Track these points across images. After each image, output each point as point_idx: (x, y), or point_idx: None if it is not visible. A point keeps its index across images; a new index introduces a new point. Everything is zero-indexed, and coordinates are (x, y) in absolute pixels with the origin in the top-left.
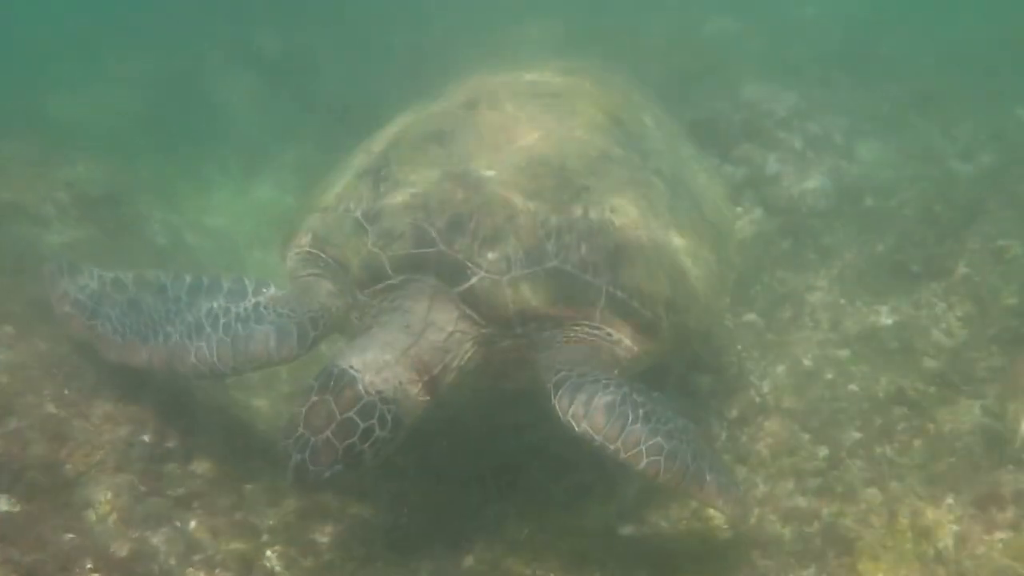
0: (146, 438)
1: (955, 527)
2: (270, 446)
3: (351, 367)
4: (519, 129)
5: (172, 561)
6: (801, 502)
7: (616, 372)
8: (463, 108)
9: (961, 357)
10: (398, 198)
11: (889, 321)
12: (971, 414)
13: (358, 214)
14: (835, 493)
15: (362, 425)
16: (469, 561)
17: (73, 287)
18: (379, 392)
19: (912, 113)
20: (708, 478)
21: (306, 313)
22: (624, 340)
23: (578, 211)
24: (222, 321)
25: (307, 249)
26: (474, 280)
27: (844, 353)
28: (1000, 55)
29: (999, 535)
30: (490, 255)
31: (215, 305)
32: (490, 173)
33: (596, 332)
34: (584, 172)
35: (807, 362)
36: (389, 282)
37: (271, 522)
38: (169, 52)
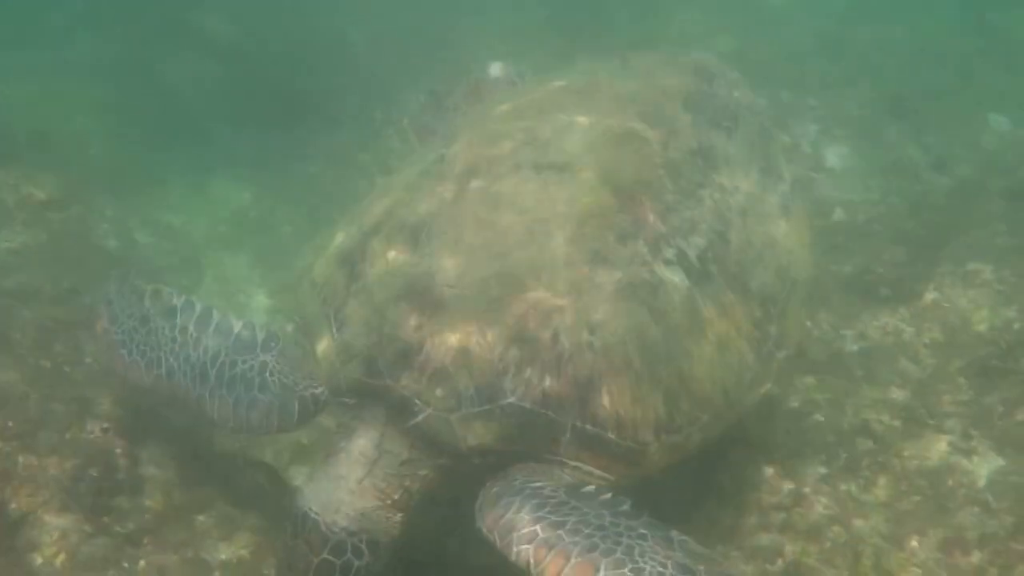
0: (94, 472)
1: (919, 571)
2: (222, 474)
3: (311, 510)
4: (501, 224)
5: None
6: (764, 539)
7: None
8: (454, 183)
9: (928, 388)
10: (360, 312)
11: (855, 347)
12: (937, 450)
13: (331, 313)
14: (799, 530)
15: (338, 563)
16: None
17: (116, 297)
18: (343, 528)
19: (885, 118)
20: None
21: (308, 389)
22: (595, 471)
23: (545, 337)
24: (227, 376)
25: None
26: (420, 418)
27: (809, 380)
28: (975, 46)
29: None
30: (438, 391)
31: (222, 354)
32: (450, 292)
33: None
34: (563, 289)
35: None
36: (346, 400)
37: (223, 557)
38: (122, 37)
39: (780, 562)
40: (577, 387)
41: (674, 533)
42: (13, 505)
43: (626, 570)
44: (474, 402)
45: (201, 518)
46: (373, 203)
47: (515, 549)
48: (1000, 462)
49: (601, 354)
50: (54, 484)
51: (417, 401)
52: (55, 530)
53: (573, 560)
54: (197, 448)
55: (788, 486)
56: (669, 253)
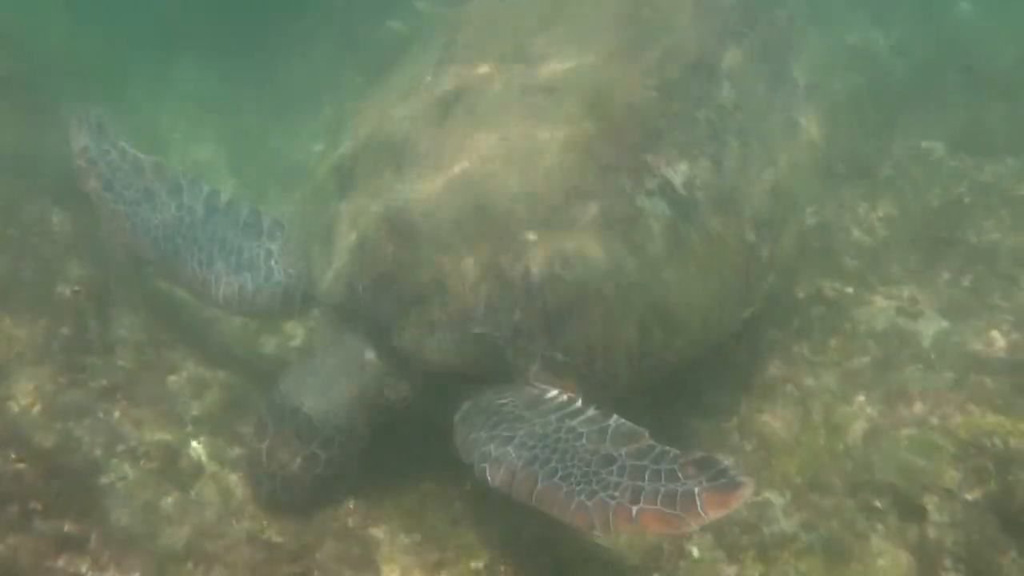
0: (65, 331)
1: (864, 424)
2: (191, 335)
3: (302, 405)
4: (482, 152)
5: (97, 452)
6: (719, 397)
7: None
8: (437, 108)
9: (880, 258)
10: (346, 232)
11: (812, 221)
12: (886, 314)
13: (324, 224)
14: (753, 390)
15: (323, 456)
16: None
17: (95, 147)
18: (335, 426)
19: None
20: (544, 485)
21: (326, 289)
22: (564, 394)
23: (517, 270)
24: (234, 262)
25: None
26: (395, 341)
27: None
28: None
29: (905, 431)
30: (413, 317)
31: (229, 238)
32: (425, 221)
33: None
34: (537, 222)
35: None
36: (331, 315)
37: (195, 413)
38: None
39: (735, 419)
40: (547, 318)
41: (612, 420)
42: None
43: (556, 478)
44: (447, 328)
45: (173, 378)
46: (369, 107)
47: (476, 467)
48: (944, 324)
49: (572, 286)
50: (26, 339)
51: (393, 325)
52: (30, 381)
53: (518, 475)
54: (167, 313)
55: (744, 349)
56: (652, 184)
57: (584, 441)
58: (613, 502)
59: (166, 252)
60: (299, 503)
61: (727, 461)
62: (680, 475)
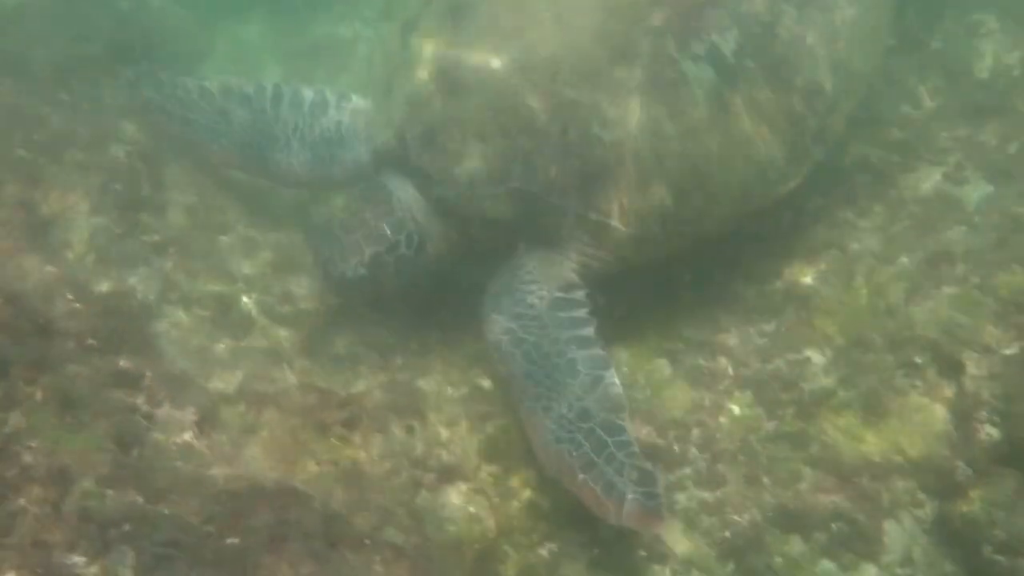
0: (119, 187)
1: (906, 284)
2: (243, 201)
3: (389, 186)
4: (533, 11)
5: (151, 298)
6: (764, 263)
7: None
8: None
9: (926, 127)
10: (404, 85)
11: (863, 92)
12: (931, 180)
13: (387, 78)
14: (797, 254)
15: (390, 236)
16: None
17: (158, 96)
18: (410, 212)
19: None
20: (528, 408)
21: (378, 142)
22: (595, 252)
23: (555, 129)
24: (308, 140)
25: None
26: (438, 192)
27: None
28: None
29: (947, 290)
30: (456, 171)
31: (299, 121)
32: (475, 76)
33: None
34: (582, 80)
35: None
36: (388, 163)
37: (247, 271)
38: None
39: (778, 282)
40: (583, 177)
41: (609, 374)
42: (44, 208)
43: (539, 405)
44: (486, 183)
45: (224, 238)
46: None
47: (489, 349)
48: (989, 188)
49: (609, 148)
50: (81, 190)
51: (435, 177)
52: (85, 229)
53: (515, 381)
54: (219, 179)
55: (788, 216)
56: (699, 48)
57: (577, 382)
58: (569, 459)
59: (252, 157)
60: (348, 276)
61: (661, 488)
62: (624, 473)
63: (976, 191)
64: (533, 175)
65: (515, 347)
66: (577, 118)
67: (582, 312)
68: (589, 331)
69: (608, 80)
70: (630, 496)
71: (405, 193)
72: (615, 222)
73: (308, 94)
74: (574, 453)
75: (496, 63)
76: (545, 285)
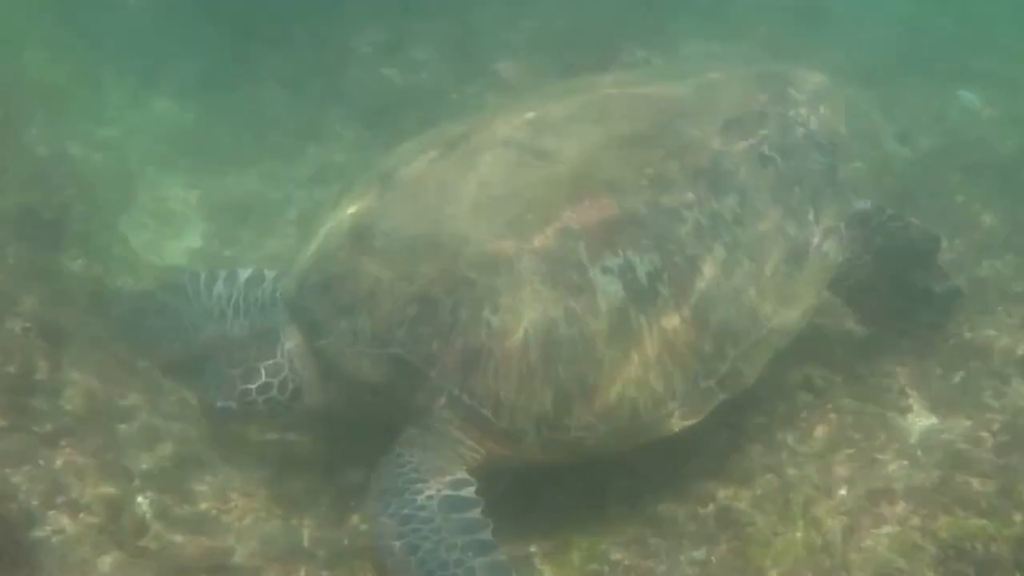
0: (11, 369)
1: (845, 519)
2: (148, 384)
3: (281, 330)
4: (458, 192)
5: (34, 502)
6: (698, 483)
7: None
8: (443, 148)
9: (870, 349)
10: (320, 240)
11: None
12: (874, 406)
13: (315, 232)
14: (733, 476)
15: (264, 378)
16: (353, 520)
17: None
18: (290, 358)
19: (855, 87)
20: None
21: (284, 285)
22: (467, 441)
23: (446, 304)
24: (242, 308)
25: None
26: (322, 342)
27: None
28: (952, 22)
29: (886, 529)
30: (341, 324)
31: (234, 294)
32: (384, 239)
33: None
34: (485, 263)
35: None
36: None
37: (145, 466)
38: None
39: (712, 506)
40: (463, 357)
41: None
42: None
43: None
44: (368, 342)
45: (123, 427)
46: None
47: (379, 556)
48: (933, 420)
49: (497, 335)
50: None
51: (323, 327)
52: None
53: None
54: (122, 356)
55: (725, 434)
56: (612, 262)
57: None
58: None
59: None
60: (217, 406)
61: None
62: None
63: (920, 421)
64: (415, 345)
65: (410, 554)
66: (471, 298)
67: (476, 512)
68: (487, 535)
69: (511, 269)
70: None
71: (291, 340)
72: (487, 412)
73: (243, 273)
74: None
75: (406, 231)
76: (433, 483)
